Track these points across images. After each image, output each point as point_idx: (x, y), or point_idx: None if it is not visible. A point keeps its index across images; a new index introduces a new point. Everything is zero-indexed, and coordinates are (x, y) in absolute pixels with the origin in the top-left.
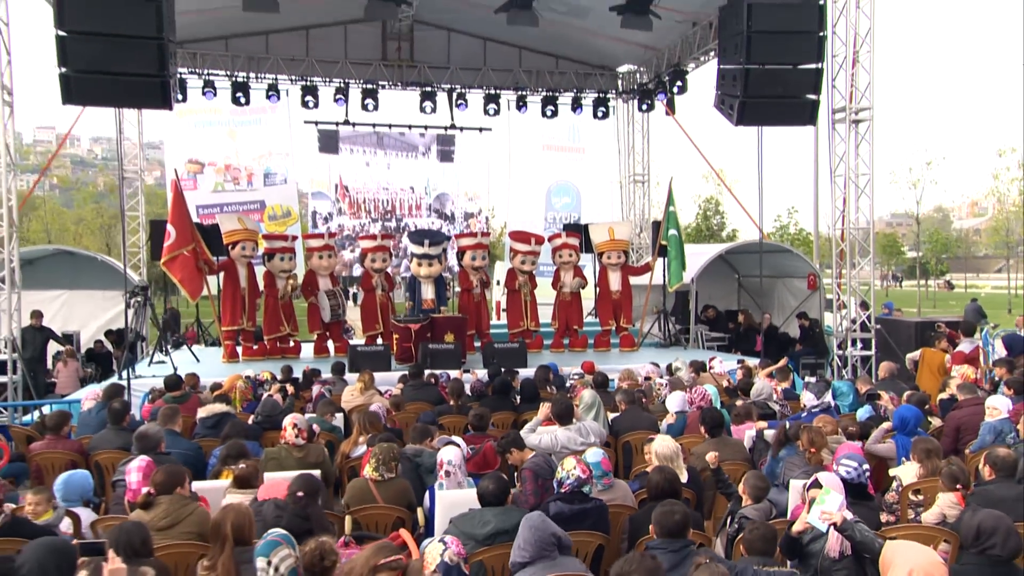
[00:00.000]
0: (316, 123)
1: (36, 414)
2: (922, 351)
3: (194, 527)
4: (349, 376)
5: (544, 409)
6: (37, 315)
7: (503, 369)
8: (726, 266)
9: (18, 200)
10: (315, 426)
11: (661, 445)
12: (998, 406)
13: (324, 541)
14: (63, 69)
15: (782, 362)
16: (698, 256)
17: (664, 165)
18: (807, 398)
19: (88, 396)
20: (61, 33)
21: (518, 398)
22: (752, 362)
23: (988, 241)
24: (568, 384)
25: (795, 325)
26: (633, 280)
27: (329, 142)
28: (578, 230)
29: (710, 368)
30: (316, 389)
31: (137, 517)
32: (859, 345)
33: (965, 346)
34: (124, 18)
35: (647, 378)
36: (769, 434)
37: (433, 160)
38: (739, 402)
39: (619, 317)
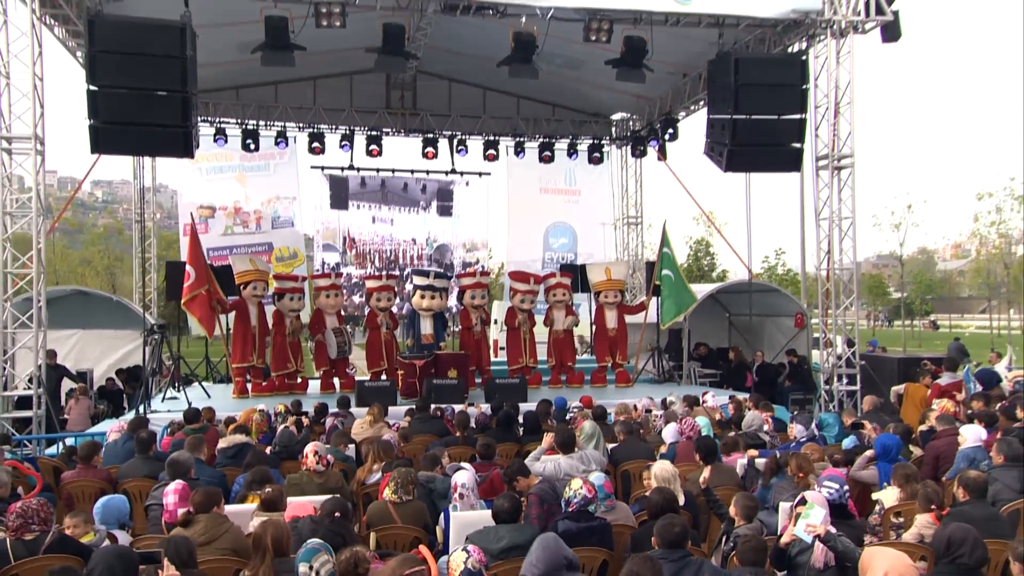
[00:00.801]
0: (323, 168)
1: (59, 446)
2: (906, 386)
3: (229, 543)
4: (355, 410)
5: (548, 439)
6: (51, 354)
7: (505, 403)
8: (717, 305)
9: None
10: (329, 456)
11: (660, 468)
12: (972, 435)
13: (358, 550)
14: (92, 121)
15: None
16: None
17: (657, 207)
18: (796, 430)
19: (113, 428)
20: (92, 88)
21: (521, 430)
22: (742, 396)
23: (971, 282)
24: (569, 416)
25: (784, 362)
26: (628, 318)
27: (339, 198)
28: (573, 270)
29: (703, 402)
30: (329, 422)
31: (178, 534)
32: (845, 380)
33: (945, 379)
34: (151, 74)
35: (648, 410)
36: (760, 463)
37: (433, 214)
38: (731, 434)
39: (615, 354)
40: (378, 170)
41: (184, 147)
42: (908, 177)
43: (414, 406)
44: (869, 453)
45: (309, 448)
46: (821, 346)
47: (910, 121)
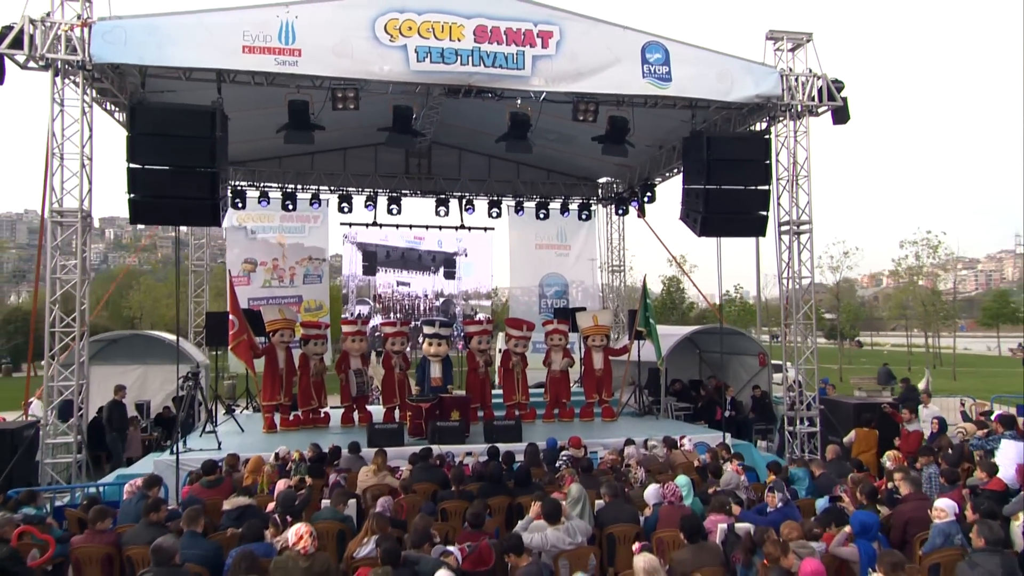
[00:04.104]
0: (350, 224)
1: (84, 492)
2: (855, 431)
3: None
4: (365, 452)
5: (535, 508)
6: (120, 389)
7: (500, 451)
8: (690, 344)
9: (115, 276)
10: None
11: (644, 562)
12: (945, 508)
13: None
14: (132, 195)
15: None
16: (668, 337)
17: (639, 253)
18: (777, 498)
19: (130, 485)
20: (132, 166)
21: (511, 482)
22: (716, 443)
23: (885, 306)
24: (558, 464)
25: (748, 395)
26: (612, 358)
27: (370, 267)
28: (567, 316)
29: (680, 445)
30: (332, 477)
31: None
32: (806, 423)
33: (912, 426)
34: (184, 153)
35: (627, 465)
36: (740, 527)
37: (440, 276)
38: (711, 489)
39: (601, 390)
40: (397, 226)
41: (212, 217)
42: (840, 224)
43: (417, 451)
44: (847, 530)
45: (293, 532)
46: (784, 379)
47: (848, 180)
